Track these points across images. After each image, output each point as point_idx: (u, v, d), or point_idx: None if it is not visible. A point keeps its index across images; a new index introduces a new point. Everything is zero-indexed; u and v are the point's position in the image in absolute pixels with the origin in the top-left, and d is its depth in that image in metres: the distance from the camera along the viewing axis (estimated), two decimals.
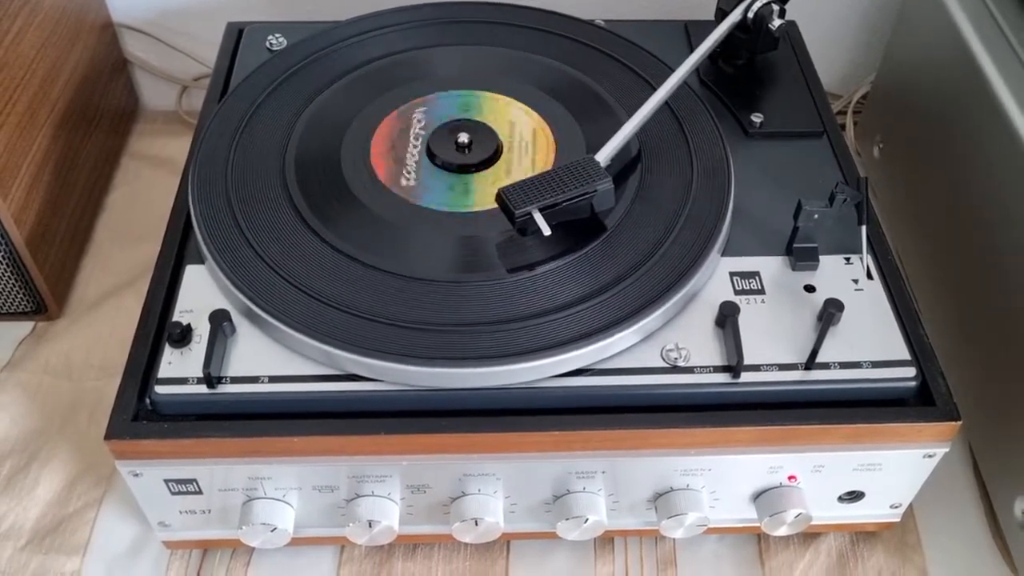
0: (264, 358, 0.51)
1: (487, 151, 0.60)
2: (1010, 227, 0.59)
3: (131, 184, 0.84)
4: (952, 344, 0.66)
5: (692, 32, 0.72)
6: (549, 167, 0.60)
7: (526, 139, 0.62)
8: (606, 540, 0.60)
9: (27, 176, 0.68)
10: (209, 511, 0.54)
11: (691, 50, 0.64)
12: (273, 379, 0.50)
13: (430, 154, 0.60)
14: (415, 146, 0.60)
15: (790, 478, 0.54)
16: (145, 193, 0.83)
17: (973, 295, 0.64)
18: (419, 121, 0.62)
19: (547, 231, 0.53)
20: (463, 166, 0.60)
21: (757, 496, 0.55)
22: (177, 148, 0.86)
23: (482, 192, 0.58)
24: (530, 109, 0.64)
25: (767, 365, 0.51)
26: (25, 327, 0.72)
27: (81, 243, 0.78)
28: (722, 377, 0.51)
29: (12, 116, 0.66)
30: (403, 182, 0.58)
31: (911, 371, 0.52)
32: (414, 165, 0.59)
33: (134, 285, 0.75)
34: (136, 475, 0.51)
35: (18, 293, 0.70)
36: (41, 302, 0.71)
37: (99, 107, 0.81)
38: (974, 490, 0.63)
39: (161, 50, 0.88)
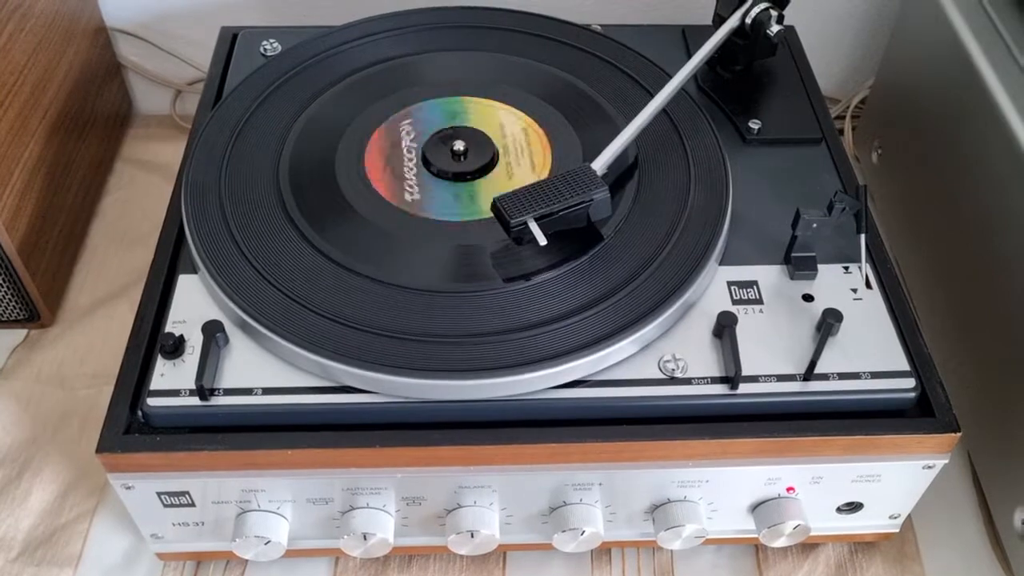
0: (258, 370, 0.51)
1: (483, 158, 0.60)
2: (1010, 233, 0.59)
3: (125, 189, 0.83)
4: (951, 351, 0.65)
5: (689, 37, 0.72)
6: (545, 175, 0.59)
7: (522, 146, 0.61)
8: (603, 551, 0.60)
9: (19, 183, 0.67)
10: (202, 523, 0.54)
11: (688, 56, 0.63)
12: (267, 391, 0.50)
13: (425, 162, 0.60)
14: (410, 159, 0.60)
15: (788, 489, 0.54)
16: (139, 198, 0.82)
17: (972, 302, 0.64)
18: (408, 134, 0.61)
19: (543, 241, 0.52)
20: (459, 174, 0.59)
21: (755, 507, 0.55)
22: (171, 153, 0.86)
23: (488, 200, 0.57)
24: (525, 115, 0.63)
25: (765, 376, 0.51)
26: (17, 335, 0.71)
27: (74, 249, 0.77)
28: (720, 388, 0.50)
29: (3, 122, 0.65)
30: (407, 197, 0.57)
31: (910, 382, 0.51)
32: (414, 178, 0.59)
33: (128, 292, 0.74)
34: (128, 488, 0.51)
35: (10, 301, 0.69)
36: (34, 310, 0.70)
37: (92, 112, 0.81)
38: (973, 500, 0.63)
39: (155, 54, 0.88)
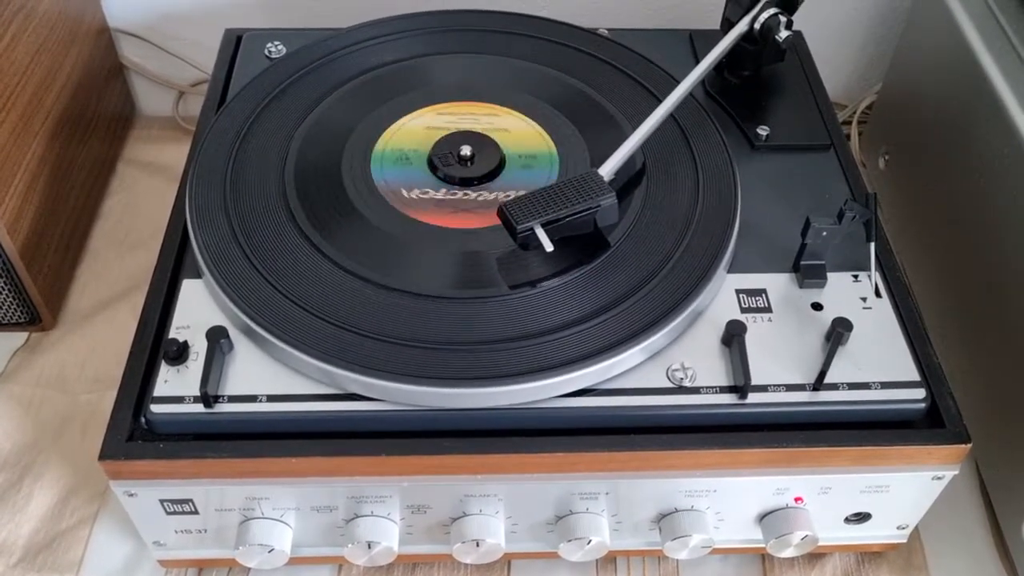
0: (262, 376, 0.50)
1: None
2: (1018, 240, 0.58)
3: (127, 191, 0.83)
4: (957, 360, 0.65)
5: (697, 42, 0.71)
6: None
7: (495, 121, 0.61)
8: (609, 560, 0.59)
9: (21, 184, 0.67)
10: (205, 531, 0.54)
11: (696, 61, 0.63)
12: (271, 398, 0.49)
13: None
14: (452, 192, 0.58)
15: (797, 500, 0.53)
16: (141, 200, 0.82)
17: (980, 310, 0.63)
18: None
19: (549, 247, 0.52)
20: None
21: (763, 517, 0.54)
22: (174, 154, 0.85)
23: None
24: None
25: (774, 385, 0.51)
26: (18, 338, 0.71)
27: (76, 252, 0.77)
28: (729, 397, 0.50)
29: (6, 124, 0.65)
30: None
31: (920, 392, 0.51)
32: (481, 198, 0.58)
33: (130, 295, 0.74)
34: (131, 495, 0.51)
35: (11, 303, 0.69)
36: (35, 312, 0.70)
37: (95, 113, 0.80)
38: (981, 510, 0.63)
39: (158, 56, 0.87)
